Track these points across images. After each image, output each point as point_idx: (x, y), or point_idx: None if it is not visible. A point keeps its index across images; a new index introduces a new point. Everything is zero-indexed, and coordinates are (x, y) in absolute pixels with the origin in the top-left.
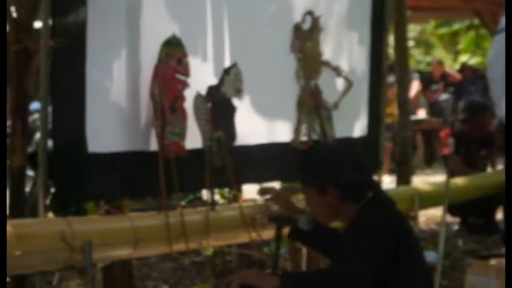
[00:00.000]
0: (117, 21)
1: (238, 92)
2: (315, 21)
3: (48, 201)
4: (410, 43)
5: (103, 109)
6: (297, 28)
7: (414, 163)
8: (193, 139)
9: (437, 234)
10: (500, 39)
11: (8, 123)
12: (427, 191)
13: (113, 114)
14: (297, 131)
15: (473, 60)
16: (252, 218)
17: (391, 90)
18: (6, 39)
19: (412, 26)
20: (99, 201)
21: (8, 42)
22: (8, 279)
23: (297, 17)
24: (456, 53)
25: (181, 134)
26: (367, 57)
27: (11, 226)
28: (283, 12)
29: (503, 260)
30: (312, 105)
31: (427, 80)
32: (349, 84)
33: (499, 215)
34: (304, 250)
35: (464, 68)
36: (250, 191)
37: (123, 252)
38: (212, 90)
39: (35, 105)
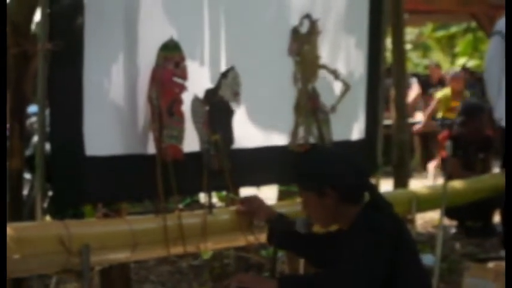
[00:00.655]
0: (115, 24)
1: (236, 95)
2: (313, 24)
3: (45, 205)
4: (408, 46)
5: (101, 112)
6: (295, 31)
7: (412, 166)
8: (191, 142)
9: (435, 237)
10: (495, 41)
11: (6, 126)
12: (424, 194)
13: (110, 118)
14: (294, 134)
15: (471, 63)
16: (249, 221)
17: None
18: (6, 43)
19: (410, 29)
20: (97, 205)
21: (7, 45)
22: None
23: (295, 20)
24: (453, 56)
25: (179, 137)
26: (365, 60)
27: (10, 229)
28: (281, 16)
29: (501, 263)
30: (309, 109)
31: (424, 84)
32: (347, 87)
33: (497, 218)
34: None
35: (463, 71)
36: (247, 194)
37: (120, 256)
38: (210, 93)
39: (32, 108)
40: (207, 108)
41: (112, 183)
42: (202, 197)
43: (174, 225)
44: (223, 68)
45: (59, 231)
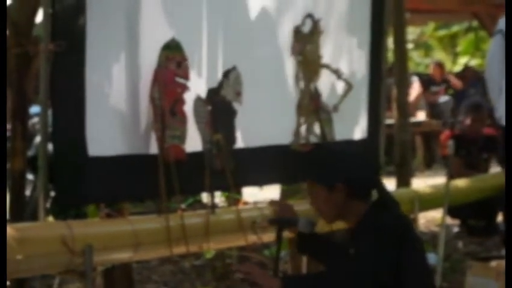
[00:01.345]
0: (117, 24)
1: (238, 95)
2: (315, 24)
3: (48, 205)
4: (410, 45)
5: (103, 112)
6: (297, 31)
7: (414, 165)
8: (193, 142)
9: (437, 236)
10: (497, 41)
11: (8, 126)
12: (427, 193)
13: (112, 118)
14: (296, 133)
15: (473, 62)
16: (252, 221)
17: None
18: (6, 44)
19: (411, 28)
20: (100, 205)
21: (8, 46)
22: (8, 282)
23: (297, 20)
24: (455, 55)
25: (181, 137)
26: (367, 60)
27: (12, 230)
28: (283, 15)
29: (503, 262)
30: (311, 108)
31: (427, 82)
32: (349, 86)
33: (499, 217)
34: None
35: (466, 70)
36: (250, 193)
37: (123, 256)
38: (212, 93)
39: (34, 109)
40: (209, 108)
41: (114, 183)
42: (205, 196)
43: (177, 225)
44: (225, 67)
45: (62, 232)
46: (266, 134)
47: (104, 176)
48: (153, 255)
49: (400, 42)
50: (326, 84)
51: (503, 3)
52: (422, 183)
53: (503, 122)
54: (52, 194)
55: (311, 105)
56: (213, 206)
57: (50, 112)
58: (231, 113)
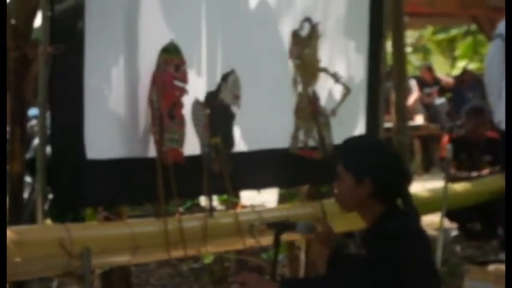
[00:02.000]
0: (115, 28)
1: (236, 98)
2: (313, 27)
3: (46, 208)
4: (408, 49)
5: (101, 115)
6: (295, 35)
7: (412, 169)
8: (192, 145)
9: (436, 240)
10: (496, 44)
11: (7, 129)
12: (425, 197)
13: (111, 121)
14: (294, 137)
15: (471, 66)
16: (250, 224)
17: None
18: (6, 46)
19: (410, 32)
20: (98, 208)
21: (7, 49)
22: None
23: (295, 24)
24: (454, 59)
25: (180, 141)
26: (365, 64)
27: (11, 232)
28: (281, 19)
29: (501, 266)
30: (309, 112)
31: (420, 83)
32: (347, 90)
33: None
34: (303, 256)
35: (465, 73)
36: (248, 197)
37: (121, 259)
38: (210, 96)
39: (33, 111)
40: (208, 111)
41: (113, 186)
42: (203, 200)
43: (175, 228)
44: (223, 71)
45: (60, 235)
46: (264, 137)
47: (102, 178)
48: (151, 258)
49: (399, 45)
50: (324, 88)
51: (502, 7)
52: (421, 186)
53: (502, 126)
54: (50, 196)
55: (309, 109)
56: (211, 210)
57: (48, 115)
58: (229, 117)
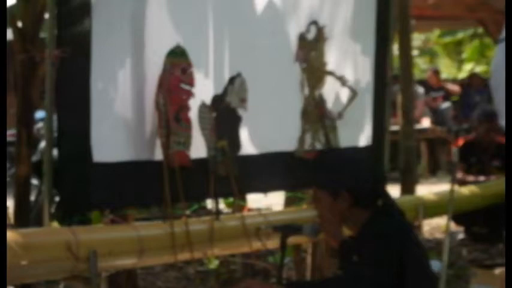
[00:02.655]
0: (122, 31)
1: (243, 102)
2: (320, 31)
3: (52, 210)
4: (415, 52)
5: (108, 118)
6: (302, 38)
7: (418, 172)
8: (198, 149)
9: (442, 243)
10: (502, 48)
11: (14, 132)
12: (431, 200)
13: (117, 124)
14: (301, 140)
15: (478, 69)
16: (256, 228)
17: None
18: (6, 47)
19: (416, 35)
20: (104, 211)
21: (14, 51)
22: None
23: (302, 27)
24: (460, 62)
25: (186, 144)
26: (372, 67)
27: (17, 235)
28: (287, 22)
29: None
30: (316, 115)
31: (426, 87)
32: (354, 93)
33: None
34: (309, 260)
35: (472, 76)
36: (254, 200)
37: (128, 262)
38: (217, 99)
39: (39, 114)
40: (214, 114)
41: (119, 189)
42: (210, 203)
43: (181, 231)
44: (230, 74)
45: (67, 237)
46: (271, 140)
47: (108, 181)
48: (157, 261)
49: (406, 48)
50: (331, 91)
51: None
52: (427, 190)
53: None
54: (57, 199)
55: (316, 112)
56: (218, 213)
57: (55, 117)
58: (235, 120)
